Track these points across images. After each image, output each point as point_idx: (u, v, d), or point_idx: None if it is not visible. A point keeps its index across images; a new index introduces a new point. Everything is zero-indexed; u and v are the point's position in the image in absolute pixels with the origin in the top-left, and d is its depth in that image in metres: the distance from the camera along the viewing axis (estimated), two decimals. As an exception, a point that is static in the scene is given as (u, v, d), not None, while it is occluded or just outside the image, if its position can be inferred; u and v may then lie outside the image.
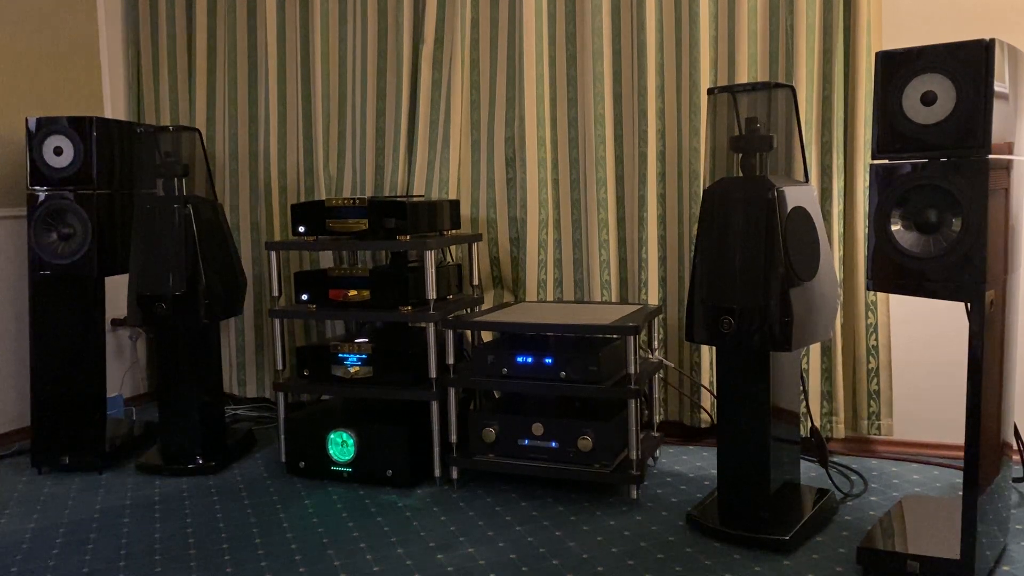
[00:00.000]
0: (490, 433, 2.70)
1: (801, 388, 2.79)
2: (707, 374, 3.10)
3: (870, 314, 2.91)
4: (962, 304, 2.67)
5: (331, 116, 3.58)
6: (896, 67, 1.95)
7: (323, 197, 3.54)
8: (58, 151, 2.99)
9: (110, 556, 2.35)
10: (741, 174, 2.33)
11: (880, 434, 2.94)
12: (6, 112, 3.40)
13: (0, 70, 3.37)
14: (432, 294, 2.81)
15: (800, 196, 2.27)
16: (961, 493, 2.27)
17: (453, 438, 2.77)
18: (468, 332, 3.18)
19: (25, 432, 3.43)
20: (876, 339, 2.91)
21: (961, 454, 2.78)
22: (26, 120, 3.02)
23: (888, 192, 1.98)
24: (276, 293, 3.01)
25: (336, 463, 2.86)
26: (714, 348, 3.05)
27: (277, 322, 2.98)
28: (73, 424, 3.05)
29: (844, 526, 2.39)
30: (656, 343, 3.02)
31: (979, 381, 1.90)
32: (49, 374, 3.04)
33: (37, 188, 3.01)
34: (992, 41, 1.83)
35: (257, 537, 2.44)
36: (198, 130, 3.11)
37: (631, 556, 2.25)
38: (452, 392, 2.76)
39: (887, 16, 2.90)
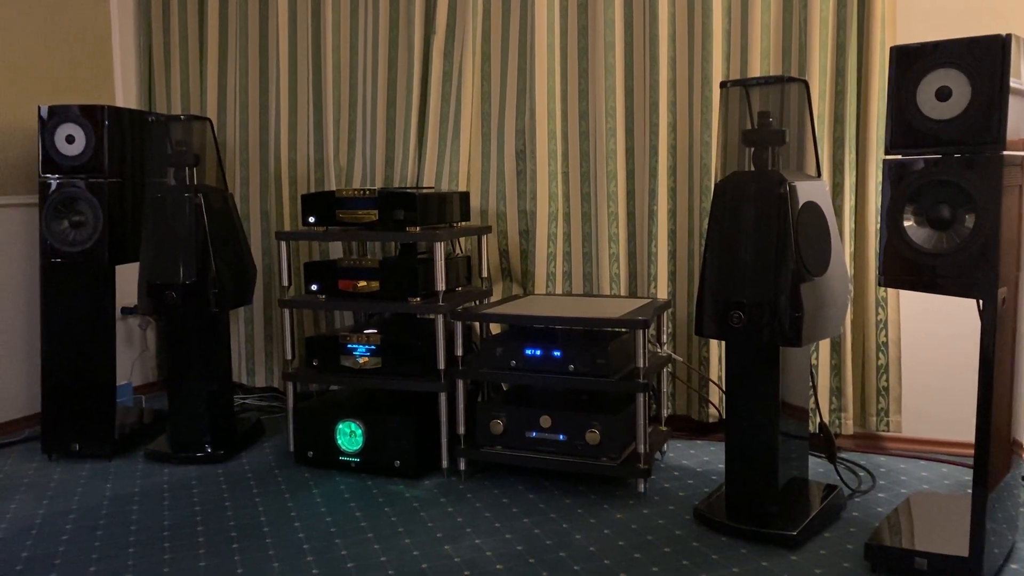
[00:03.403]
0: (498, 425, 2.70)
1: (810, 384, 2.78)
2: (715, 369, 3.10)
3: (880, 310, 2.90)
4: (973, 301, 2.66)
5: (342, 107, 3.57)
6: (910, 62, 1.94)
7: (333, 188, 3.54)
8: (70, 139, 3.00)
9: (119, 542, 2.36)
10: (753, 168, 2.32)
11: (889, 431, 2.93)
12: (18, 100, 3.41)
13: (12, 59, 3.38)
14: (441, 286, 2.81)
15: (812, 191, 2.26)
16: (970, 490, 2.26)
17: (461, 429, 2.77)
18: (477, 324, 3.18)
19: (35, 419, 3.45)
20: (886, 335, 2.90)
21: (970, 451, 2.77)
22: (38, 108, 3.03)
23: (901, 188, 1.97)
24: (286, 283, 3.02)
25: (344, 453, 2.87)
26: (723, 343, 3.04)
27: (286, 312, 2.99)
28: (83, 411, 3.06)
29: (852, 522, 2.39)
30: (665, 337, 3.01)
31: (990, 378, 1.89)
32: (59, 361, 3.06)
33: (49, 176, 3.02)
34: (1008, 36, 1.82)
35: (265, 526, 2.45)
36: (209, 119, 3.11)
37: (638, 549, 2.25)
38: (460, 384, 2.76)
39: (901, 10, 2.88)
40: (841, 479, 2.71)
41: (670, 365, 3.14)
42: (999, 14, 2.77)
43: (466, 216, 3.18)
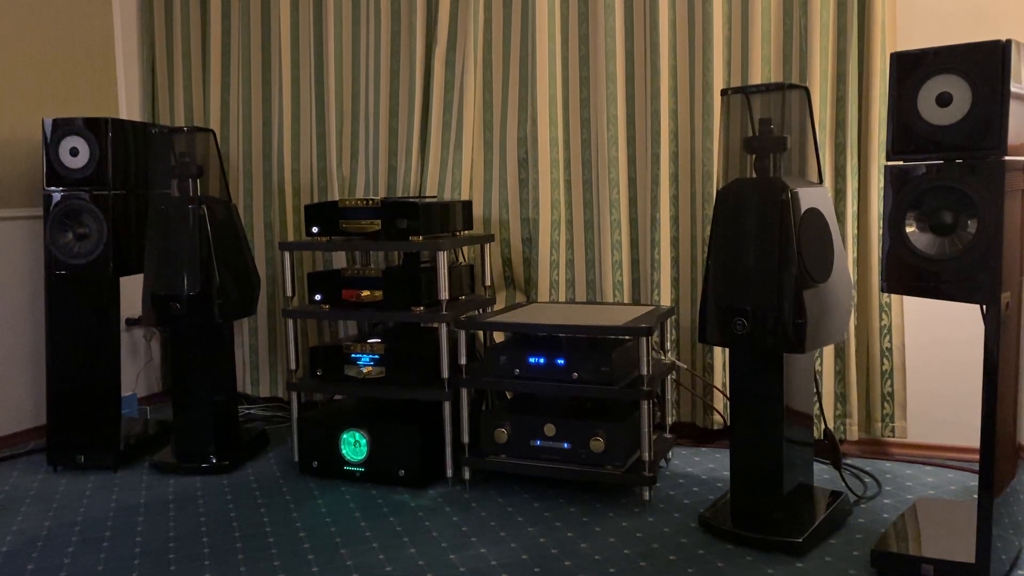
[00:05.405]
0: (502, 433, 2.70)
1: (814, 390, 2.78)
2: (720, 376, 3.09)
3: (884, 316, 2.89)
4: (977, 306, 2.66)
5: (344, 117, 3.59)
6: (911, 68, 1.94)
7: (336, 198, 3.55)
8: (74, 152, 3.01)
9: (125, 554, 2.36)
10: (755, 175, 2.32)
11: (894, 436, 2.93)
12: (23, 113, 3.42)
13: (17, 71, 3.40)
14: (444, 295, 2.82)
15: (814, 197, 2.26)
16: (976, 496, 2.26)
17: (465, 438, 2.77)
18: (480, 333, 3.18)
19: (41, 431, 3.45)
20: (890, 341, 2.89)
21: (976, 457, 2.77)
22: (42, 121, 3.05)
23: (903, 193, 1.97)
24: (289, 293, 3.02)
25: (349, 463, 2.87)
26: (727, 349, 3.04)
27: (290, 322, 2.99)
28: (88, 423, 3.07)
29: (858, 529, 2.38)
30: (668, 344, 3.01)
31: (994, 383, 1.88)
32: (65, 373, 3.06)
33: (53, 189, 3.03)
34: (1009, 42, 1.82)
35: (270, 536, 2.46)
36: (212, 131, 3.13)
37: (643, 558, 2.25)
38: (464, 392, 2.76)
39: (902, 16, 2.89)
40: (846, 485, 2.70)
41: (674, 372, 3.14)
42: (999, 20, 2.77)
43: (469, 225, 3.19)
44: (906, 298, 2.91)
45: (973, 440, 2.88)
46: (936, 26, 2.85)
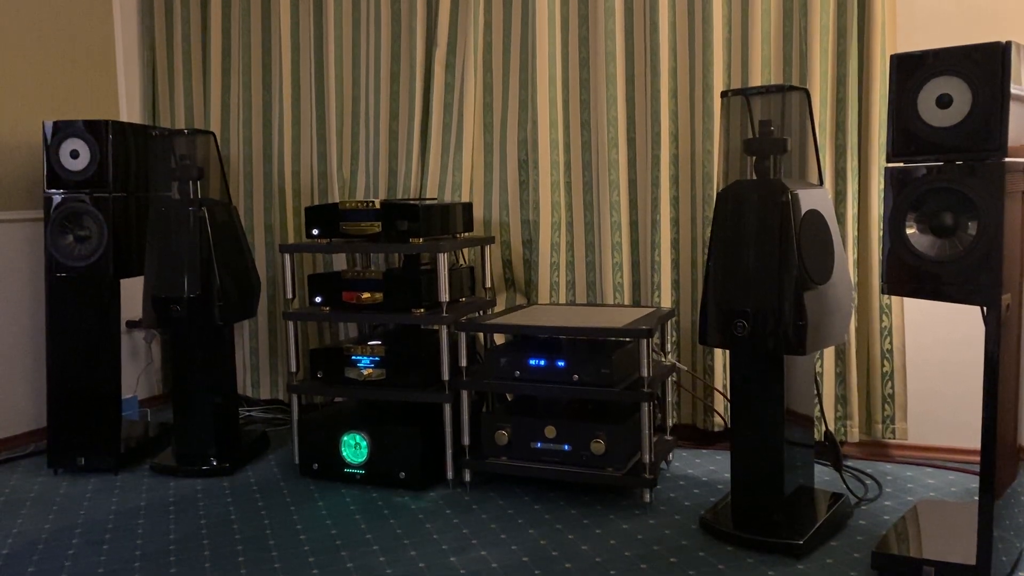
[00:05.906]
0: (503, 436, 2.70)
1: (815, 392, 2.78)
2: (720, 377, 3.09)
3: (884, 317, 2.89)
4: (977, 308, 2.66)
5: (345, 119, 3.59)
6: (911, 70, 1.94)
7: (337, 200, 3.55)
8: (74, 154, 3.02)
9: (125, 557, 2.36)
10: (755, 177, 2.33)
11: (895, 438, 2.93)
12: (23, 116, 3.43)
13: (17, 74, 3.40)
14: (445, 297, 2.82)
15: (814, 199, 2.26)
16: (977, 498, 2.25)
17: (466, 440, 2.77)
18: (481, 335, 3.18)
19: (41, 433, 3.45)
20: (891, 342, 2.89)
21: (977, 458, 2.77)
22: (43, 124, 3.05)
23: (903, 195, 1.97)
24: (290, 295, 3.02)
25: (349, 465, 2.87)
26: (727, 351, 3.04)
27: (291, 324, 2.99)
28: (89, 425, 3.06)
29: (858, 531, 2.38)
30: (669, 346, 3.01)
31: (995, 385, 1.88)
32: (65, 375, 3.06)
33: (54, 191, 3.04)
34: (1008, 43, 1.82)
35: (271, 539, 2.45)
36: (213, 133, 3.13)
37: (644, 560, 2.25)
38: (465, 395, 2.76)
39: (902, 18, 2.89)
40: (847, 487, 2.70)
41: (674, 374, 3.14)
42: (999, 20, 2.77)
43: (469, 227, 3.19)
44: (906, 300, 2.91)
45: (974, 441, 2.88)
46: (936, 28, 2.85)
